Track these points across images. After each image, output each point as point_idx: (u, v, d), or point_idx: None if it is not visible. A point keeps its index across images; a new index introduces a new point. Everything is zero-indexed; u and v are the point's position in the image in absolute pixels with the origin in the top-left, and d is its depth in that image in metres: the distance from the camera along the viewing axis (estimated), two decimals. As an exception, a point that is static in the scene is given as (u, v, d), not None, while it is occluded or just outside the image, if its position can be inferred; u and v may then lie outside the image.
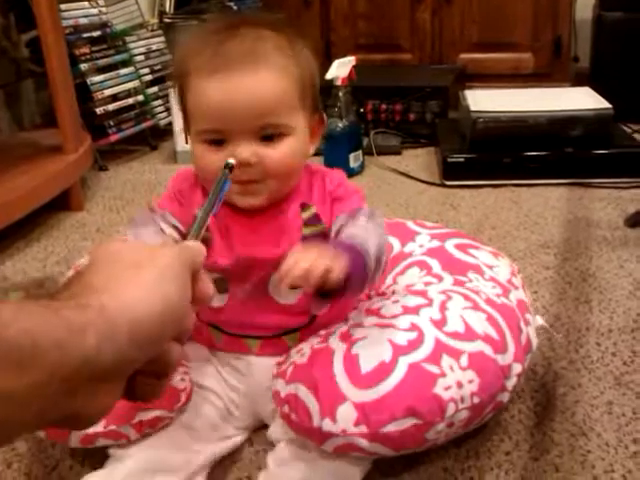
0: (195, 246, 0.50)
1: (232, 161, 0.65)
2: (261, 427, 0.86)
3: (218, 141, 0.72)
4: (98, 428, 0.74)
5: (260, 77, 0.69)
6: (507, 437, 0.84)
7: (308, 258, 0.63)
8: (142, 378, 0.43)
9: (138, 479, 0.73)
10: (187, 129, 0.77)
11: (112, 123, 2.04)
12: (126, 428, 0.75)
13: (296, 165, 0.75)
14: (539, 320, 0.89)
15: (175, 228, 0.77)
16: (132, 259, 0.43)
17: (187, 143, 2.20)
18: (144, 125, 2.15)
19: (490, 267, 0.92)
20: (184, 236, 0.76)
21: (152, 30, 2.28)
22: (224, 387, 0.83)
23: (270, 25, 0.74)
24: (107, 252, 0.45)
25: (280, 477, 0.74)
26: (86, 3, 2.02)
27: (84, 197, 1.75)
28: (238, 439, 0.84)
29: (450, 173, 1.74)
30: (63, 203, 1.66)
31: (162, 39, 2.29)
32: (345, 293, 0.67)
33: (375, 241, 0.72)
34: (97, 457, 0.80)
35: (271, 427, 0.80)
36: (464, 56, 2.45)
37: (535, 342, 0.84)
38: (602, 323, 1.08)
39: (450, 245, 0.96)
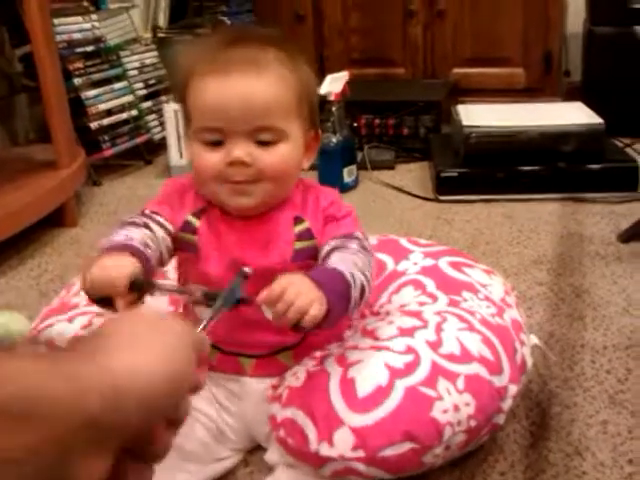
0: (204, 338, 0.51)
1: (247, 270, 0.67)
2: (256, 447, 0.85)
3: (215, 142, 0.73)
4: None
5: (258, 81, 0.71)
6: (502, 457, 0.84)
7: (291, 295, 0.63)
8: (128, 463, 0.43)
9: None
10: (187, 133, 0.78)
11: (106, 138, 2.04)
12: None
13: (290, 171, 0.76)
14: (533, 339, 0.89)
15: (163, 227, 0.77)
16: (150, 324, 0.44)
17: (181, 157, 2.18)
18: (138, 140, 2.15)
19: (484, 286, 0.92)
20: (172, 236, 0.77)
21: (146, 45, 2.28)
22: (217, 409, 0.82)
23: (273, 40, 0.76)
24: (126, 315, 0.45)
25: None
26: (80, 18, 2.02)
27: (78, 213, 1.75)
28: (232, 460, 0.83)
29: (444, 188, 1.75)
30: (57, 219, 1.66)
31: (156, 54, 2.29)
32: (320, 328, 0.67)
33: (362, 275, 0.72)
34: None
35: (268, 451, 0.80)
36: (457, 71, 2.46)
37: (530, 362, 0.84)
38: (596, 340, 1.08)
39: (444, 263, 0.96)
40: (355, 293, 0.70)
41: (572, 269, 1.33)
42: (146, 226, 0.75)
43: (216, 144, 0.73)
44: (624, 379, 0.98)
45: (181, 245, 0.78)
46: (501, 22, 2.38)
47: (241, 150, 0.71)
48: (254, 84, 0.71)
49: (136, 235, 0.72)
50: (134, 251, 0.69)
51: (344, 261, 0.73)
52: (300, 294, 0.64)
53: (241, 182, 0.73)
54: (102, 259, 0.66)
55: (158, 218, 0.77)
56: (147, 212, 0.78)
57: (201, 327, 0.57)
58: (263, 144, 0.73)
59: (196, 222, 0.78)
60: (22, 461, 0.33)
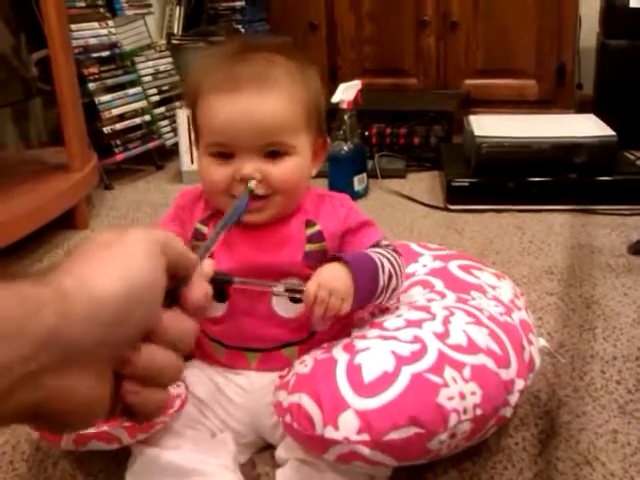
0: (171, 237, 0.48)
1: (252, 186, 0.71)
2: (263, 449, 0.85)
3: (225, 155, 0.74)
4: (90, 429, 0.73)
5: (267, 99, 0.72)
6: (510, 465, 0.83)
7: (325, 293, 0.73)
8: (128, 385, 0.42)
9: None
10: (197, 145, 0.80)
11: (119, 142, 2.06)
12: (118, 430, 0.74)
13: (299, 182, 0.78)
14: (542, 342, 0.89)
15: None
16: (101, 241, 0.43)
17: (193, 163, 2.19)
18: (150, 145, 2.17)
19: (493, 287, 0.92)
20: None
21: (160, 51, 2.30)
22: (223, 402, 0.83)
23: (281, 50, 0.77)
24: (84, 241, 0.45)
25: None
26: (96, 24, 2.04)
27: (89, 216, 1.76)
28: (241, 458, 0.83)
29: (454, 197, 1.75)
30: (68, 221, 1.67)
31: (170, 60, 2.31)
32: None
33: (389, 265, 0.78)
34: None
35: (278, 448, 0.80)
36: (469, 82, 2.47)
37: (538, 362, 0.84)
38: (606, 351, 1.07)
39: (453, 266, 0.97)
40: (383, 277, 0.77)
41: (582, 280, 1.33)
42: None
43: (226, 157, 0.74)
44: (634, 389, 0.97)
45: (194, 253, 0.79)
46: (514, 34, 2.39)
47: (251, 167, 0.73)
48: (262, 102, 0.72)
49: None
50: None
51: (372, 252, 0.79)
52: (335, 290, 0.73)
53: (253, 198, 0.74)
54: None
55: None
56: None
57: (203, 250, 0.55)
58: (272, 156, 0.74)
59: (204, 229, 0.80)
60: None
